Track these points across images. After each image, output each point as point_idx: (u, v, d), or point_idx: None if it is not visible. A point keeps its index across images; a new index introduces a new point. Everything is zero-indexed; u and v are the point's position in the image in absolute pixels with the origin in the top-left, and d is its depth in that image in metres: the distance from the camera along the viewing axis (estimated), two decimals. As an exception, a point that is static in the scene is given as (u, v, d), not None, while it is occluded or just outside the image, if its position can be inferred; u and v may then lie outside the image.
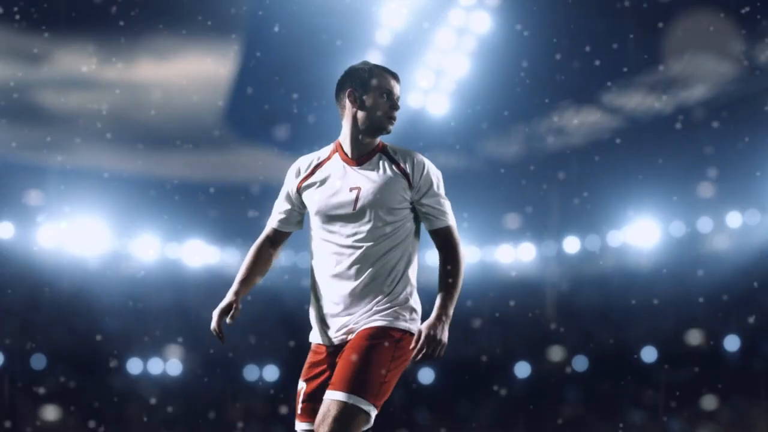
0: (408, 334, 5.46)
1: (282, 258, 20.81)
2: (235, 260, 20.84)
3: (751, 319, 19.67)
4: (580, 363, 20.92)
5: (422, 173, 5.61)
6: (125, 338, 20.33)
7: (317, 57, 18.73)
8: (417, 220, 5.60)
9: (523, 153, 20.79)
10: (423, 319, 5.53)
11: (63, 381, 20.12)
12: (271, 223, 5.78)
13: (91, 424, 20.27)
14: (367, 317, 5.45)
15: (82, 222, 19.70)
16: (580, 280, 20.72)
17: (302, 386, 5.58)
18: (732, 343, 20.20)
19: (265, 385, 21.09)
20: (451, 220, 5.59)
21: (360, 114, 5.60)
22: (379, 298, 5.45)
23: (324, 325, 5.55)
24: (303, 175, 5.66)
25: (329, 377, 5.46)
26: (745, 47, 19.00)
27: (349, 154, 5.60)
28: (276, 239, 5.81)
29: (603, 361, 20.79)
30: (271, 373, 21.18)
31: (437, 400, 20.71)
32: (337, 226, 5.51)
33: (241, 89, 19.70)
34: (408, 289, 5.51)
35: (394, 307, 5.46)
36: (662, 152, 19.33)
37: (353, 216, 5.48)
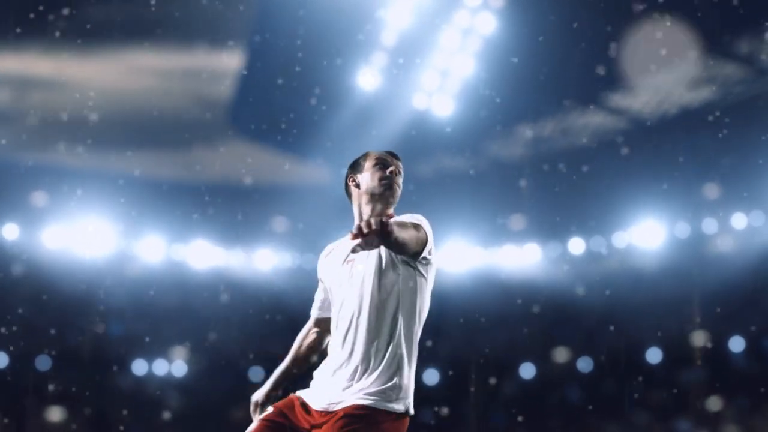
0: (393, 415, 5.39)
1: (287, 260, 20.82)
2: (240, 261, 20.85)
3: (756, 320, 19.65)
4: (585, 364, 20.92)
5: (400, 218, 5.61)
6: (130, 339, 20.34)
7: (322, 57, 18.75)
8: (418, 293, 5.51)
9: (528, 154, 20.78)
10: (416, 393, 5.52)
11: (68, 382, 20.14)
12: (313, 312, 5.89)
13: (96, 425, 20.28)
14: (353, 394, 5.41)
15: (87, 223, 19.71)
16: (585, 281, 20.69)
17: (270, 410, 5.61)
18: (737, 344, 20.19)
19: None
20: (415, 220, 5.49)
21: (360, 191, 5.70)
22: (367, 375, 5.41)
23: (316, 388, 5.55)
24: (322, 259, 5.80)
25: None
26: (751, 48, 18.99)
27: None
28: (319, 326, 5.88)
29: (608, 362, 20.79)
30: (276, 374, 21.16)
31: (441, 401, 20.70)
32: (338, 299, 5.57)
33: (247, 89, 19.70)
34: (396, 365, 5.42)
35: (382, 387, 5.38)
36: (667, 153, 19.33)
37: (348, 289, 5.51)
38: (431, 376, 21.00)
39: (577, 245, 20.94)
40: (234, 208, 20.25)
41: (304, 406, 5.53)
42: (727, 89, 19.37)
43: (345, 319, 5.49)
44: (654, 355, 20.74)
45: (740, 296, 19.23)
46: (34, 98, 19.82)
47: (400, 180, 5.72)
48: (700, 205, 19.70)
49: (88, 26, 18.12)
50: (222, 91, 20.18)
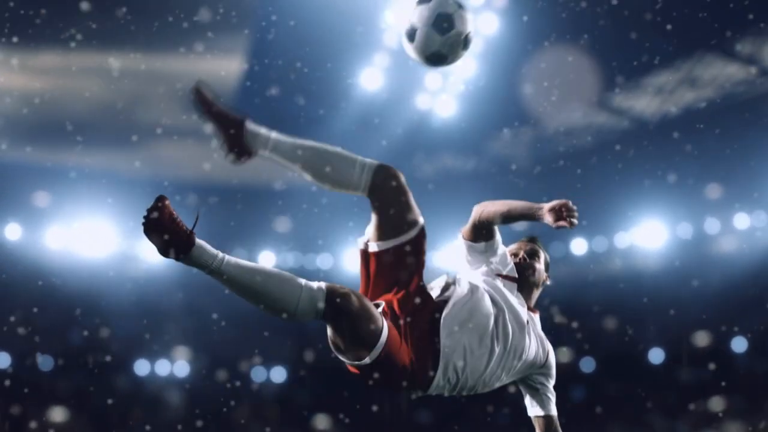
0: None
1: (289, 260, 20.81)
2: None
3: (759, 321, 19.65)
4: (588, 364, 20.91)
5: (553, 357, 6.25)
6: (132, 339, 20.35)
7: (325, 58, 18.73)
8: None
9: (530, 154, 20.78)
10: None
11: (70, 382, 20.15)
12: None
13: (98, 425, 20.29)
14: None
15: (89, 223, 19.72)
16: (588, 281, 20.68)
17: None
18: (739, 344, 20.18)
19: (272, 386, 21.10)
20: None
21: None
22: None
23: None
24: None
25: None
26: (753, 49, 18.98)
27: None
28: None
29: (610, 363, 20.78)
30: (278, 374, 21.19)
31: (445, 399, 20.67)
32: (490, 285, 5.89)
33: (249, 88, 19.68)
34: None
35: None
36: (669, 154, 19.31)
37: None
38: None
39: (579, 246, 20.96)
40: (236, 208, 20.24)
41: None
42: (730, 90, 19.36)
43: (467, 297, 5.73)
44: (656, 356, 20.74)
45: (743, 296, 19.23)
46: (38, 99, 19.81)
47: (536, 263, 6.17)
48: (703, 205, 19.69)
49: (103, 26, 18.13)
50: (226, 89, 20.16)
